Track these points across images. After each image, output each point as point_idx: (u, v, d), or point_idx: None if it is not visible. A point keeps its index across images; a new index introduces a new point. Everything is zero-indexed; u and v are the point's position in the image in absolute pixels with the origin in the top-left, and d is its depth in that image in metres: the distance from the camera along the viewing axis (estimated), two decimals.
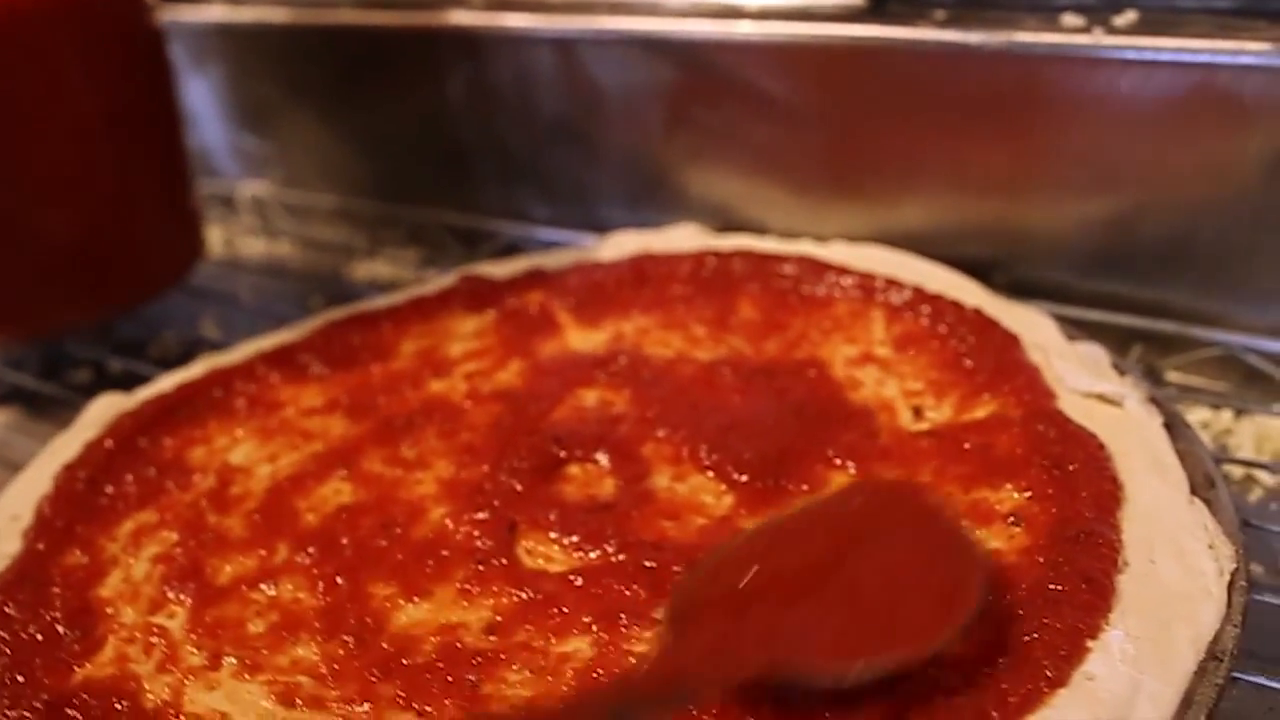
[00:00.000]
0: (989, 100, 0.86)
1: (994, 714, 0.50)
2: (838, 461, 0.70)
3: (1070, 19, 0.83)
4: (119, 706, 0.58)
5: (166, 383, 0.88)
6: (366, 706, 0.57)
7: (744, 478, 0.69)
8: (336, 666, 0.60)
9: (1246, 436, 0.80)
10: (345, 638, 0.62)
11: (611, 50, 1.02)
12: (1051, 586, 0.57)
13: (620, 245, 0.99)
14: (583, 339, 0.89)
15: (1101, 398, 0.71)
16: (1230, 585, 0.57)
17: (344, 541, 0.69)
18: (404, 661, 0.59)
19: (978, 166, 0.89)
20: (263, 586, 0.66)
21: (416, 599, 0.64)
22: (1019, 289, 0.87)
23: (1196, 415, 0.82)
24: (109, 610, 0.66)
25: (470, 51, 1.10)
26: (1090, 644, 0.54)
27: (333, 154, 1.28)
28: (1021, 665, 0.52)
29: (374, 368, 0.88)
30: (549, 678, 0.58)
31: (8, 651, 0.62)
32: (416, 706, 0.57)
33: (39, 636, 0.63)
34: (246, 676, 0.60)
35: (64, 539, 0.71)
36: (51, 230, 0.99)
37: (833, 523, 0.59)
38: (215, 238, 1.32)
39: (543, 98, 1.08)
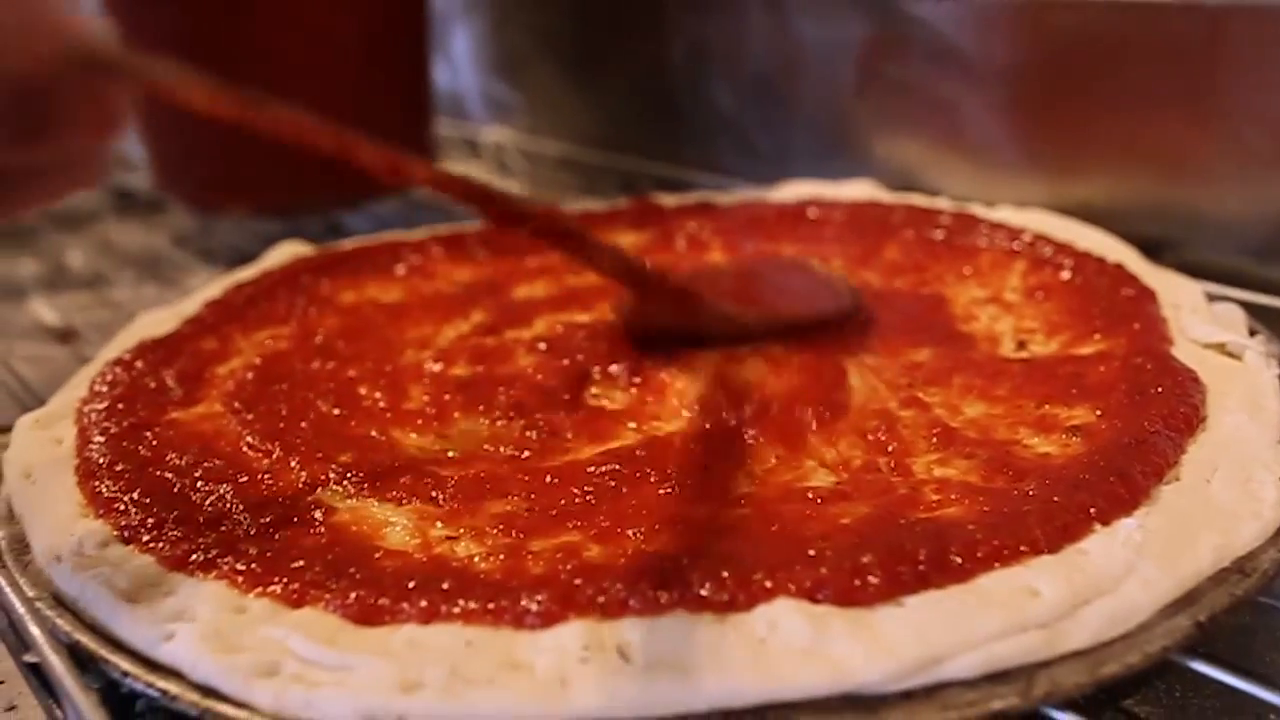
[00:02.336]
0: (1168, 58, 0.81)
1: (955, 558, 0.48)
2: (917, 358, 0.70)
3: None
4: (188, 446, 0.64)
5: (347, 243, 0.96)
6: None
7: None
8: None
9: None
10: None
11: (818, 4, 1.04)
12: (1081, 476, 0.53)
13: (793, 192, 1.00)
14: (721, 259, 0.90)
15: (1222, 349, 0.66)
16: None
17: (431, 368, 0.73)
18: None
19: (1154, 132, 0.84)
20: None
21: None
22: (1187, 271, 0.81)
23: None
24: (217, 382, 0.73)
25: (696, 7, 1.15)
26: (1098, 528, 0.50)
27: (567, 105, 1.35)
28: (1007, 526, 0.49)
29: (529, 260, 0.92)
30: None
31: (121, 388, 0.69)
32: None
33: (151, 384, 0.71)
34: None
35: (207, 330, 0.79)
36: None
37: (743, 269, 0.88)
38: None
39: (749, 55, 1.11)
